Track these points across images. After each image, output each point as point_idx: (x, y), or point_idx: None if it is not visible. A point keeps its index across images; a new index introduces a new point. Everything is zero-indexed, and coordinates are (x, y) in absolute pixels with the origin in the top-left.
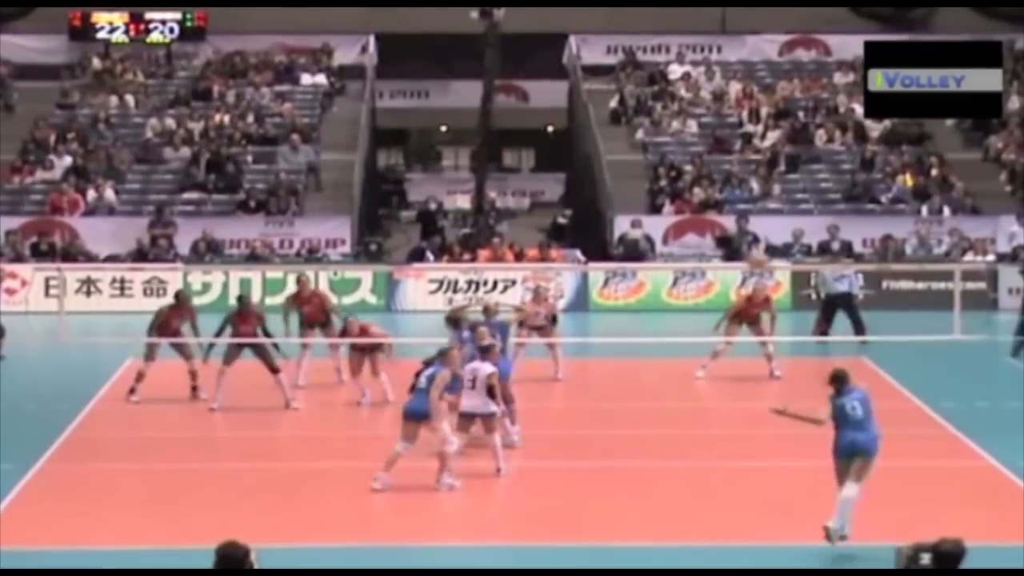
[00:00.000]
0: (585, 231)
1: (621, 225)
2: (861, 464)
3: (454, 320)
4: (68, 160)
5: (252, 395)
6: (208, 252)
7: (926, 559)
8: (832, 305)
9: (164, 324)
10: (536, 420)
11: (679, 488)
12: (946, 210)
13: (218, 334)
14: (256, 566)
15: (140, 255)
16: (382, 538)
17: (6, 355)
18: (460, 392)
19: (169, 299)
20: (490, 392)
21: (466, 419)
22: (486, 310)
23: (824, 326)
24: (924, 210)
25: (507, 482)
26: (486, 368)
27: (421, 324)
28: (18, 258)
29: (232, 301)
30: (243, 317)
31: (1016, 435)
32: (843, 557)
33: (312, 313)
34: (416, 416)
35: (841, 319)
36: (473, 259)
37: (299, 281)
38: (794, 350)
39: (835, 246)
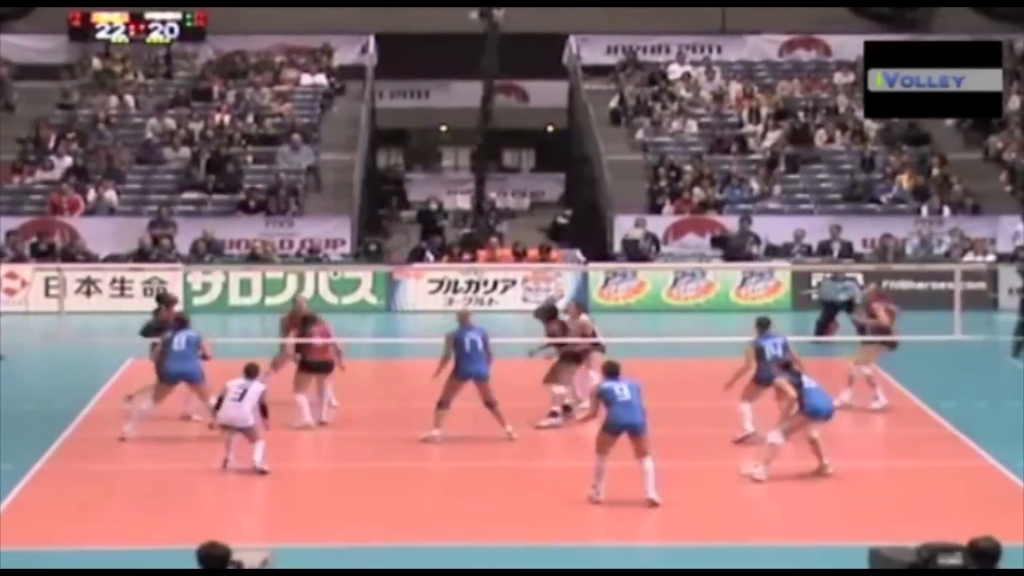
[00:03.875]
0: (585, 231)
1: (621, 225)
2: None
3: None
4: (68, 160)
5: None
6: (208, 252)
7: (946, 560)
8: (832, 309)
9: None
10: (537, 420)
11: (679, 488)
12: (946, 210)
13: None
14: (249, 566)
15: (142, 255)
16: (382, 538)
17: (6, 355)
18: None
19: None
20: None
21: (227, 430)
22: (462, 320)
23: (827, 328)
24: (924, 210)
25: (507, 482)
26: (258, 386)
27: (421, 324)
28: (18, 258)
29: (232, 301)
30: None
31: (1016, 435)
32: (842, 557)
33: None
34: None
35: (843, 320)
36: (473, 259)
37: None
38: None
39: (836, 246)
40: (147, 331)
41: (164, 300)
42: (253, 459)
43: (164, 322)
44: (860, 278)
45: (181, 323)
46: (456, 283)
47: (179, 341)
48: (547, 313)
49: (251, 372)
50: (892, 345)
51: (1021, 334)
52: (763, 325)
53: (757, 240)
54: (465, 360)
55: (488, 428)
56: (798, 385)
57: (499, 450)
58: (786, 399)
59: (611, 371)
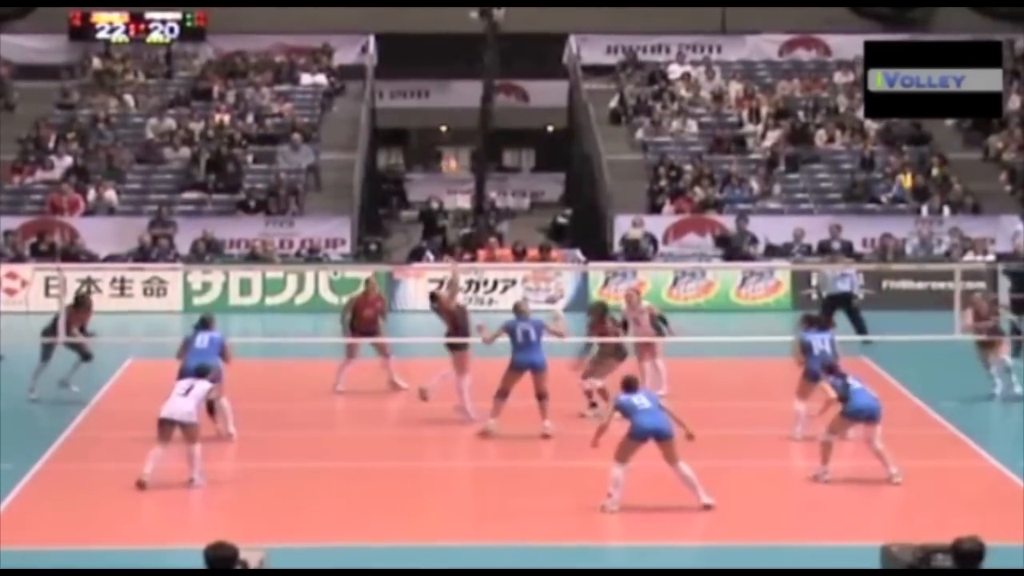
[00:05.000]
0: (585, 231)
1: (621, 225)
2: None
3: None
4: (68, 160)
5: (256, 393)
6: (208, 252)
7: (941, 560)
8: (832, 305)
9: (357, 313)
10: (533, 420)
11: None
12: (946, 210)
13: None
14: (252, 566)
15: (143, 255)
16: (381, 538)
17: (5, 355)
18: None
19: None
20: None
21: (168, 425)
22: (518, 309)
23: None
24: (924, 210)
25: (509, 481)
26: (205, 385)
27: (421, 324)
28: (18, 258)
29: (232, 301)
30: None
31: (1016, 435)
32: (842, 557)
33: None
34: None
35: (842, 319)
36: (473, 259)
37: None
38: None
39: (835, 246)
40: (47, 332)
41: (81, 303)
42: (192, 470)
43: (69, 323)
44: (860, 278)
45: (205, 324)
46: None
47: (202, 339)
48: (600, 311)
49: (201, 372)
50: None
51: (1016, 334)
52: (810, 321)
53: (754, 240)
54: (519, 351)
55: (504, 429)
56: (844, 386)
57: (503, 450)
58: (827, 403)
59: (629, 385)
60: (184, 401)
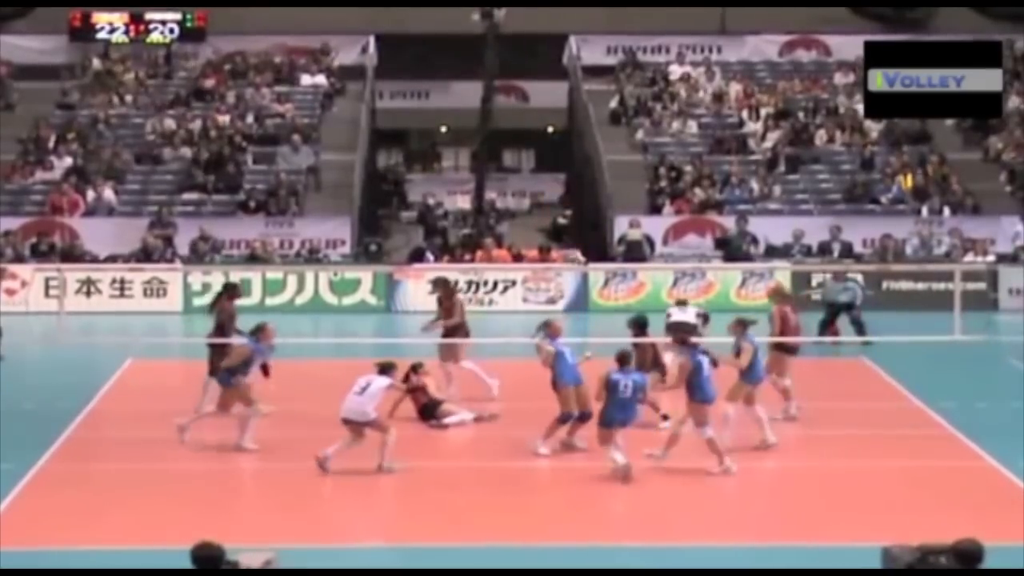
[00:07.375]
0: (585, 231)
1: (621, 225)
2: None
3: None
4: (68, 160)
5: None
6: (208, 251)
7: (940, 560)
8: (835, 312)
9: None
10: (537, 420)
11: (680, 488)
12: (946, 210)
13: None
14: (250, 566)
15: (144, 255)
16: (386, 538)
17: (6, 355)
18: None
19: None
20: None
21: (348, 424)
22: (548, 326)
23: (830, 329)
24: (924, 210)
25: (507, 482)
26: (383, 381)
27: (421, 325)
28: (18, 258)
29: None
30: None
31: (1016, 435)
32: (842, 557)
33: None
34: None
35: (843, 321)
36: (473, 259)
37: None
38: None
39: (836, 246)
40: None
41: (234, 291)
42: (382, 457)
43: (229, 320)
44: (860, 278)
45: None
46: (456, 283)
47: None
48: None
49: (385, 369)
50: (792, 350)
51: None
52: (744, 324)
53: (755, 240)
54: None
55: (504, 429)
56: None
57: (510, 452)
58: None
59: (622, 360)
60: (359, 400)
